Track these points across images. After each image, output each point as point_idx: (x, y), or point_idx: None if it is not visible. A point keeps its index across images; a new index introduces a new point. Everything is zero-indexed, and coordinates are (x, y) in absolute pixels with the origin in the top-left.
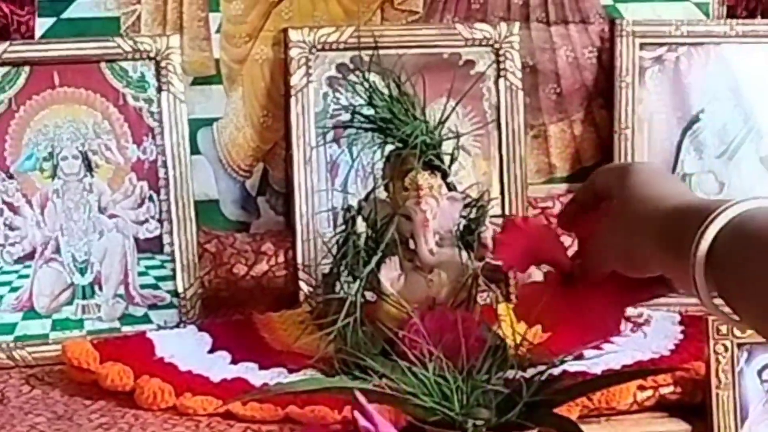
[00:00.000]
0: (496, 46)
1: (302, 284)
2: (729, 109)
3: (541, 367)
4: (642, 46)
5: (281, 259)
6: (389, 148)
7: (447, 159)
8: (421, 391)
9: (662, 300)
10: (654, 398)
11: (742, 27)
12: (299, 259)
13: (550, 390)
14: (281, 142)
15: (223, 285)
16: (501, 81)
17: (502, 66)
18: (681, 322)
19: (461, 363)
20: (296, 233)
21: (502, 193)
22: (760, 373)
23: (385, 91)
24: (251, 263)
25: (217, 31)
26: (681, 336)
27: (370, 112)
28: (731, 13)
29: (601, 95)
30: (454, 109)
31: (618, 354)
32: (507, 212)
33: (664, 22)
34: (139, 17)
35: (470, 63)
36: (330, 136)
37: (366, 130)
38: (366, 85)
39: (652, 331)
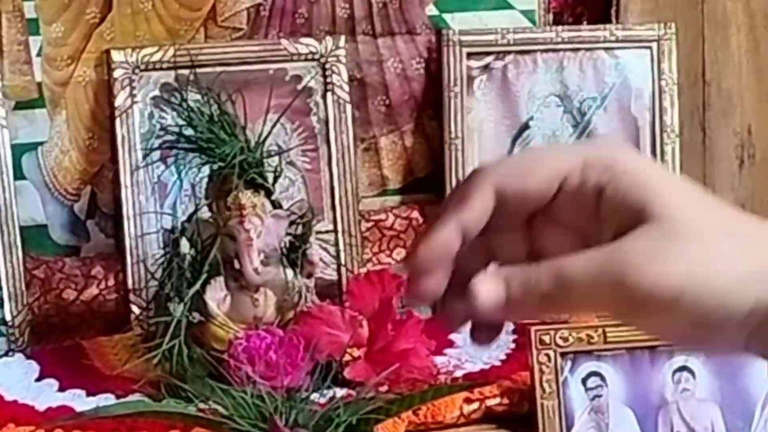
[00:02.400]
0: (323, 60)
1: (133, 307)
2: (558, 116)
3: (365, 385)
4: (469, 55)
5: (111, 282)
6: (213, 168)
7: (271, 176)
8: (239, 414)
9: None
10: (481, 411)
11: (568, 33)
12: (129, 282)
13: (374, 406)
14: (108, 164)
15: (53, 311)
16: (329, 95)
17: (329, 80)
18: (514, 331)
19: (282, 382)
20: (125, 256)
21: (333, 207)
22: (584, 381)
23: (205, 110)
24: (81, 288)
25: (38, 54)
26: (513, 345)
27: (192, 132)
28: (557, 20)
29: (430, 106)
30: (275, 125)
31: (448, 365)
32: (339, 227)
33: (490, 30)
34: None
35: (297, 78)
36: (154, 157)
37: (187, 150)
38: (185, 105)
39: None
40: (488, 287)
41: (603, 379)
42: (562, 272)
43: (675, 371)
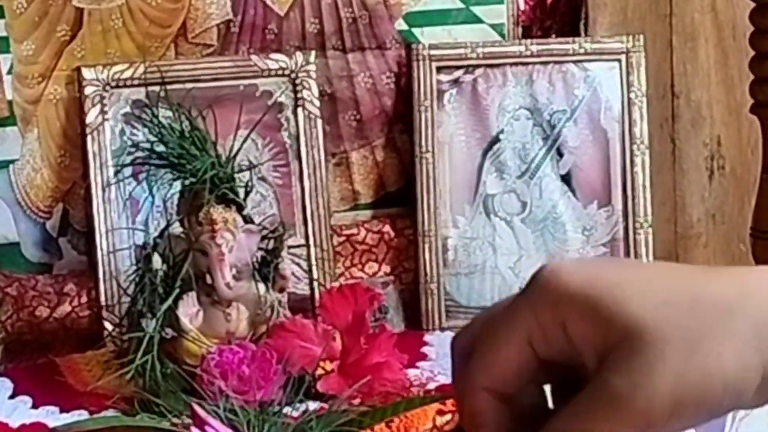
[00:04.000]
0: (293, 75)
1: (106, 324)
2: (528, 129)
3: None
4: (439, 69)
5: (84, 299)
6: (184, 183)
7: (242, 192)
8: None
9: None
10: (453, 422)
11: (537, 47)
12: (102, 299)
13: (347, 419)
14: (80, 181)
15: (26, 328)
16: (299, 110)
17: (299, 95)
18: None
19: (255, 396)
20: (98, 272)
21: (305, 222)
22: None
23: (176, 126)
24: (54, 305)
25: (9, 72)
26: None
27: (163, 148)
28: (526, 34)
29: (401, 120)
30: (245, 140)
31: (420, 378)
32: (311, 242)
33: (460, 44)
34: None
35: (267, 94)
36: (126, 173)
37: (158, 166)
38: (155, 121)
39: None
40: None
41: None
42: None
43: None
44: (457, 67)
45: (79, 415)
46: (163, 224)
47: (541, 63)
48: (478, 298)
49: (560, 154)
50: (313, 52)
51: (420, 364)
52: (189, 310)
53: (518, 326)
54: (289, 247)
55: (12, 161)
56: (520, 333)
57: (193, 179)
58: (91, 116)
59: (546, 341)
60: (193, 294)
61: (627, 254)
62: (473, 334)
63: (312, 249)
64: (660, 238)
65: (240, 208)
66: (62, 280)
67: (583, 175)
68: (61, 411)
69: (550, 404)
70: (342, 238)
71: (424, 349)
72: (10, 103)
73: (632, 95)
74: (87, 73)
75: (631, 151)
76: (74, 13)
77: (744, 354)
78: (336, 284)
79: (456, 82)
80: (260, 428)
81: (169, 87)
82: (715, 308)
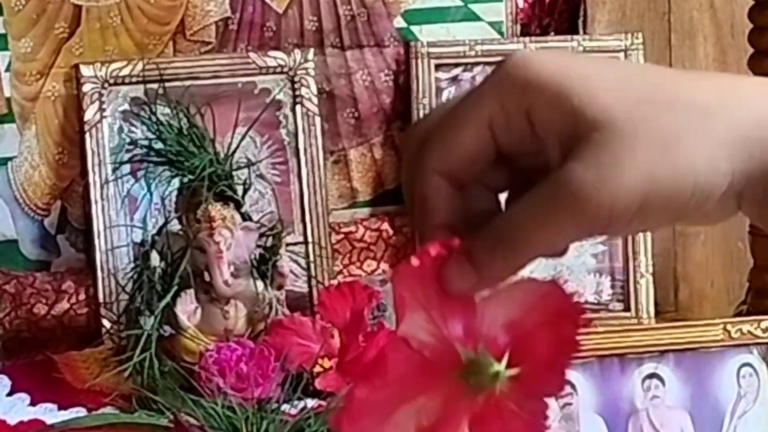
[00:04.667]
0: (291, 73)
1: (104, 321)
2: None
3: (336, 396)
4: (437, 67)
5: (82, 296)
6: (182, 180)
7: (240, 189)
8: (210, 425)
9: None
10: None
11: (535, 44)
12: (100, 296)
13: None
14: (78, 178)
15: (24, 326)
16: (298, 108)
17: (298, 93)
18: None
19: (253, 394)
20: (96, 270)
21: (303, 219)
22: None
23: (175, 123)
24: (52, 302)
25: (7, 69)
26: None
27: (161, 146)
28: (525, 32)
29: (399, 118)
30: (243, 138)
31: None
32: (309, 239)
33: (458, 42)
34: None
35: (266, 91)
36: (124, 170)
37: (156, 164)
38: (153, 119)
39: None
40: (459, 276)
41: (573, 386)
42: (513, 233)
43: (644, 378)
44: (456, 65)
45: (77, 412)
46: (161, 221)
47: None
48: None
49: None
50: (312, 50)
51: None
52: (187, 308)
53: (481, 108)
54: (288, 244)
55: (10, 158)
56: (481, 115)
57: (191, 176)
58: (90, 113)
59: (508, 127)
60: (191, 291)
61: (625, 250)
62: (431, 123)
63: (310, 246)
64: (658, 235)
65: (238, 206)
66: (60, 277)
67: None
68: (59, 408)
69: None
70: (340, 236)
71: None
72: (8, 100)
73: None
74: (85, 71)
75: None
76: (72, 10)
77: (717, 158)
78: (334, 282)
79: (455, 79)
80: (258, 426)
81: (167, 84)
82: (694, 110)
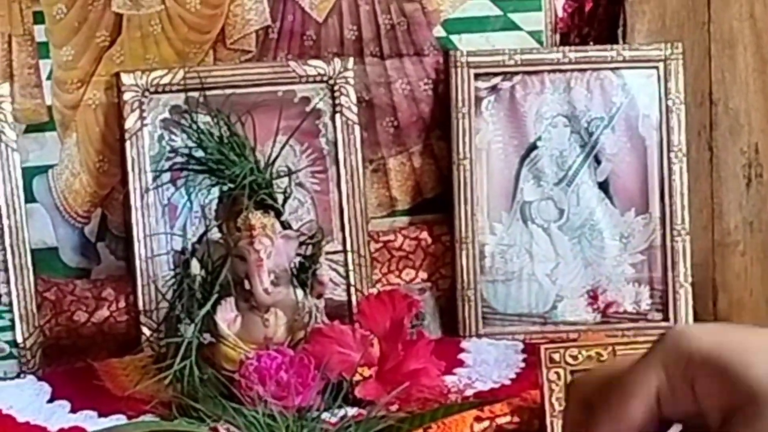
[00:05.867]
0: (331, 82)
1: (144, 329)
2: (565, 136)
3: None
4: (477, 76)
5: (122, 304)
6: (223, 189)
7: (281, 197)
8: None
9: (507, 328)
10: (491, 429)
11: (574, 54)
12: (140, 304)
13: (385, 425)
14: (118, 186)
15: (64, 333)
16: (337, 116)
17: (337, 101)
18: (523, 350)
19: (293, 402)
20: (136, 277)
21: (342, 228)
22: None
23: (215, 131)
24: (92, 310)
25: (48, 77)
26: (523, 364)
27: (201, 154)
28: (564, 41)
29: (438, 127)
30: (283, 146)
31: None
32: (348, 248)
33: (498, 51)
34: None
35: (305, 100)
36: (164, 178)
37: (197, 172)
38: (194, 127)
39: (494, 360)
40: None
41: None
42: None
43: None
44: (495, 74)
45: (117, 419)
46: (201, 230)
47: (579, 70)
48: (515, 305)
49: (598, 162)
50: (351, 59)
51: (457, 370)
52: (227, 316)
53: (649, 381)
54: (327, 253)
55: (51, 166)
56: (649, 388)
57: (231, 185)
58: (130, 122)
59: (674, 398)
60: (231, 299)
61: (664, 260)
62: (594, 384)
63: (349, 255)
64: (697, 245)
65: (278, 214)
66: (100, 285)
67: (621, 182)
68: (99, 415)
69: None
70: (379, 245)
71: (461, 356)
72: (49, 108)
73: (670, 103)
74: (126, 79)
75: (669, 158)
76: (113, 18)
77: None
78: (373, 290)
79: (494, 89)
80: None
81: (207, 93)
82: None
